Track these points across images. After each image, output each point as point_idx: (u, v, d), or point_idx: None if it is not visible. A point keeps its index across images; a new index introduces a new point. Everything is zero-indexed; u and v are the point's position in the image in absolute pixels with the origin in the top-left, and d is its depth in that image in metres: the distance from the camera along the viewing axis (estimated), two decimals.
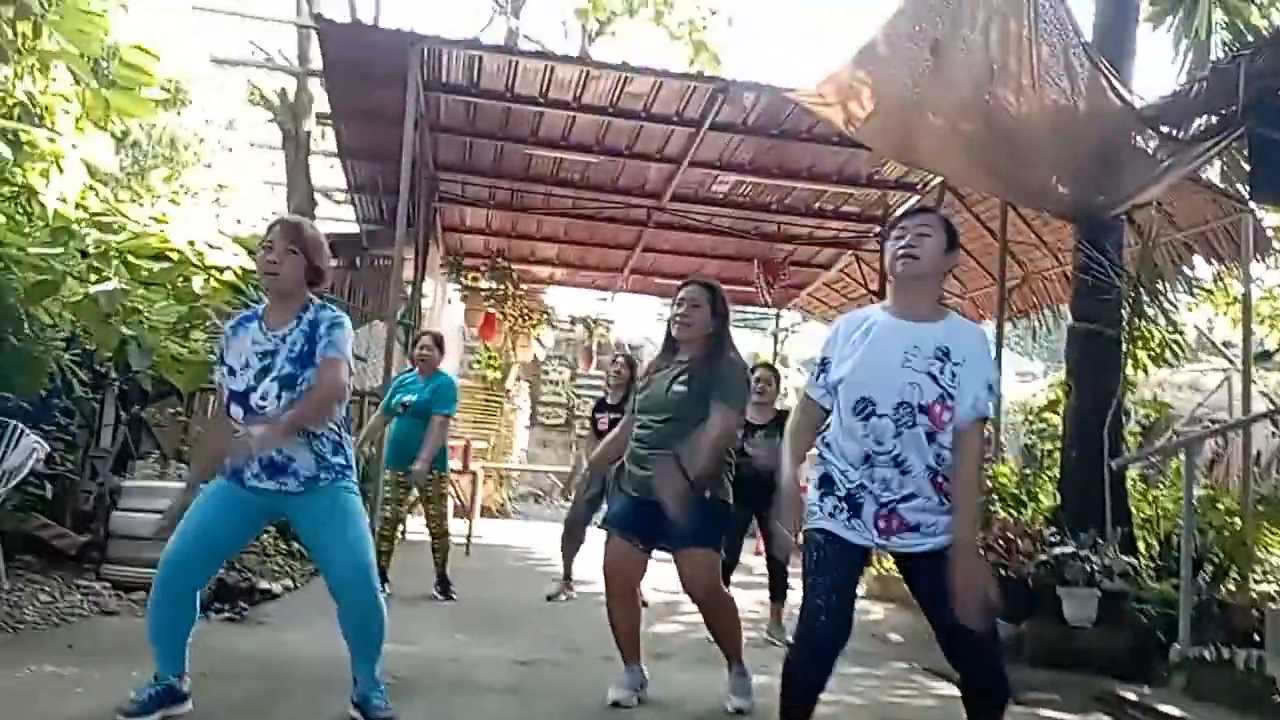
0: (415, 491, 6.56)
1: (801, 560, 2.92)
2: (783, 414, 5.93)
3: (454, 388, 6.55)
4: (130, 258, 5.54)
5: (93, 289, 5.17)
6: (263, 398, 3.20)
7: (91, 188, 6.16)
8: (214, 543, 3.30)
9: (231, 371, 3.27)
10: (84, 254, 5.57)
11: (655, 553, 3.96)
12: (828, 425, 2.97)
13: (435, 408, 6.26)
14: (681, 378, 3.87)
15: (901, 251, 2.92)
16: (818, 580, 2.85)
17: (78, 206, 5.84)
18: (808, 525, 2.92)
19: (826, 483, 2.92)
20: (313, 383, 3.23)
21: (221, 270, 5.80)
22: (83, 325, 5.57)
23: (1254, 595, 6.36)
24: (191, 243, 5.72)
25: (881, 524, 2.82)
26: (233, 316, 3.54)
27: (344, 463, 3.35)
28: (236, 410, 3.23)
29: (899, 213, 3.26)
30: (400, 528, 6.66)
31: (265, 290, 3.36)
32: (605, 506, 6.60)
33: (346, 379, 3.30)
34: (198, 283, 5.56)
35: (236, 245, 5.98)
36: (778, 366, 8.29)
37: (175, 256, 5.68)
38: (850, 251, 12.73)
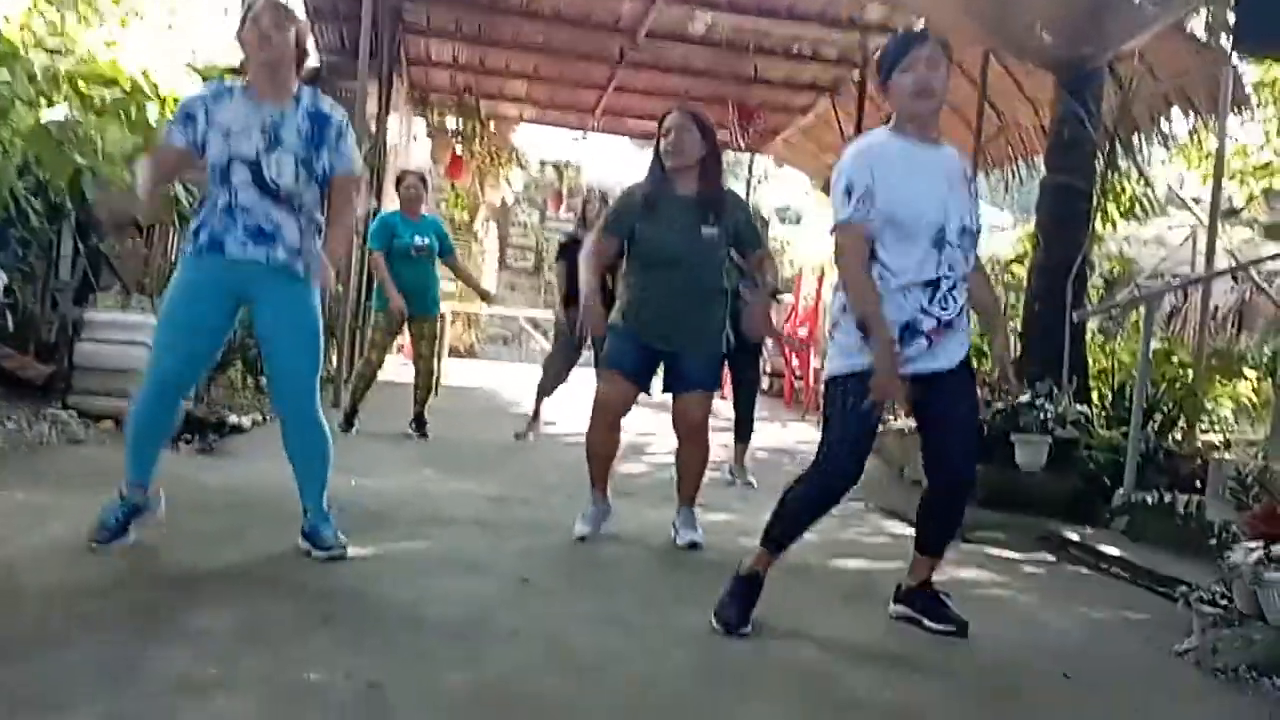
0: (398, 335, 6.60)
1: (830, 398, 2.95)
2: None
3: (445, 226, 6.71)
4: (81, 84, 5.32)
5: (43, 116, 4.98)
6: (278, 171, 3.14)
7: (35, 8, 5.85)
8: (202, 342, 3.27)
9: (228, 133, 3.13)
10: (31, 78, 5.33)
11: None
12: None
13: (448, 248, 6.49)
14: (708, 218, 3.80)
15: (918, 88, 2.89)
16: (850, 426, 2.89)
17: (22, 29, 5.56)
18: (848, 368, 2.88)
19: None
20: (324, 169, 3.22)
21: (177, 100, 5.59)
22: (35, 154, 5.38)
23: (1199, 445, 6.60)
24: (145, 71, 5.48)
25: (934, 338, 2.90)
26: (203, 87, 3.38)
27: (318, 252, 3.29)
28: (242, 173, 3.13)
29: (891, 40, 3.20)
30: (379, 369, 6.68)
31: (256, 66, 3.19)
32: (594, 347, 6.69)
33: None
34: (152, 111, 5.36)
35: (193, 74, 5.75)
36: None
37: (128, 85, 5.45)
38: (827, 94, 12.48)
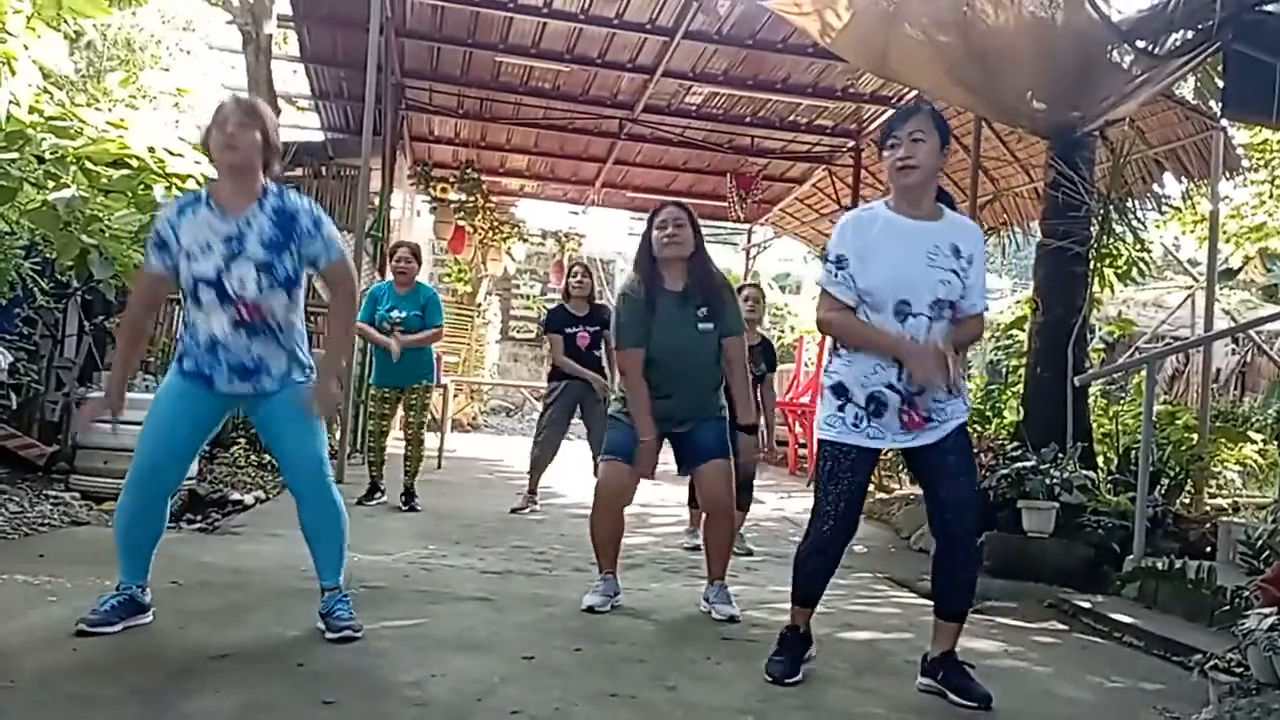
0: (399, 404, 6.59)
1: (816, 465, 3.16)
2: (765, 340, 5.94)
3: (439, 298, 6.67)
4: (88, 164, 5.39)
5: (50, 196, 5.04)
6: (240, 284, 3.10)
7: (46, 90, 5.96)
8: (184, 446, 3.27)
9: (189, 255, 3.12)
10: (40, 159, 5.41)
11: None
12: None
13: (431, 319, 6.42)
14: (701, 312, 3.90)
15: (900, 164, 3.02)
16: (829, 489, 3.09)
17: (32, 110, 5.65)
18: (825, 437, 3.10)
19: (841, 392, 3.06)
20: (287, 271, 3.16)
21: (184, 179, 5.66)
22: (42, 233, 5.44)
23: (1207, 509, 6.55)
24: (151, 149, 5.56)
25: (904, 419, 3.01)
26: (171, 203, 3.38)
27: (309, 360, 3.33)
28: (208, 294, 3.11)
29: (888, 114, 3.34)
30: (386, 439, 6.68)
31: (221, 169, 3.20)
32: (588, 431, 6.70)
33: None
34: (159, 191, 5.42)
35: (198, 152, 5.83)
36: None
37: (135, 163, 5.53)
38: (824, 166, 12.65)
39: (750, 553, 5.60)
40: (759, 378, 5.69)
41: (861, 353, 3.04)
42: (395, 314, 6.30)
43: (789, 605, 3.28)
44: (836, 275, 3.05)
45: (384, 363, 6.37)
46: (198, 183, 5.65)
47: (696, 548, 5.64)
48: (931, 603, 3.28)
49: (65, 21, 6.60)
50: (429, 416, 6.84)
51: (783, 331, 17.38)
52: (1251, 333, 10.71)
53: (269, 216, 3.18)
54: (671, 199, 4.17)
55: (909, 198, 3.07)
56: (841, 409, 3.05)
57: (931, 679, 3.15)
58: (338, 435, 7.72)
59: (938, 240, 3.02)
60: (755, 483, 6.05)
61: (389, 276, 6.79)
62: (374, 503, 6.42)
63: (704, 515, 4.19)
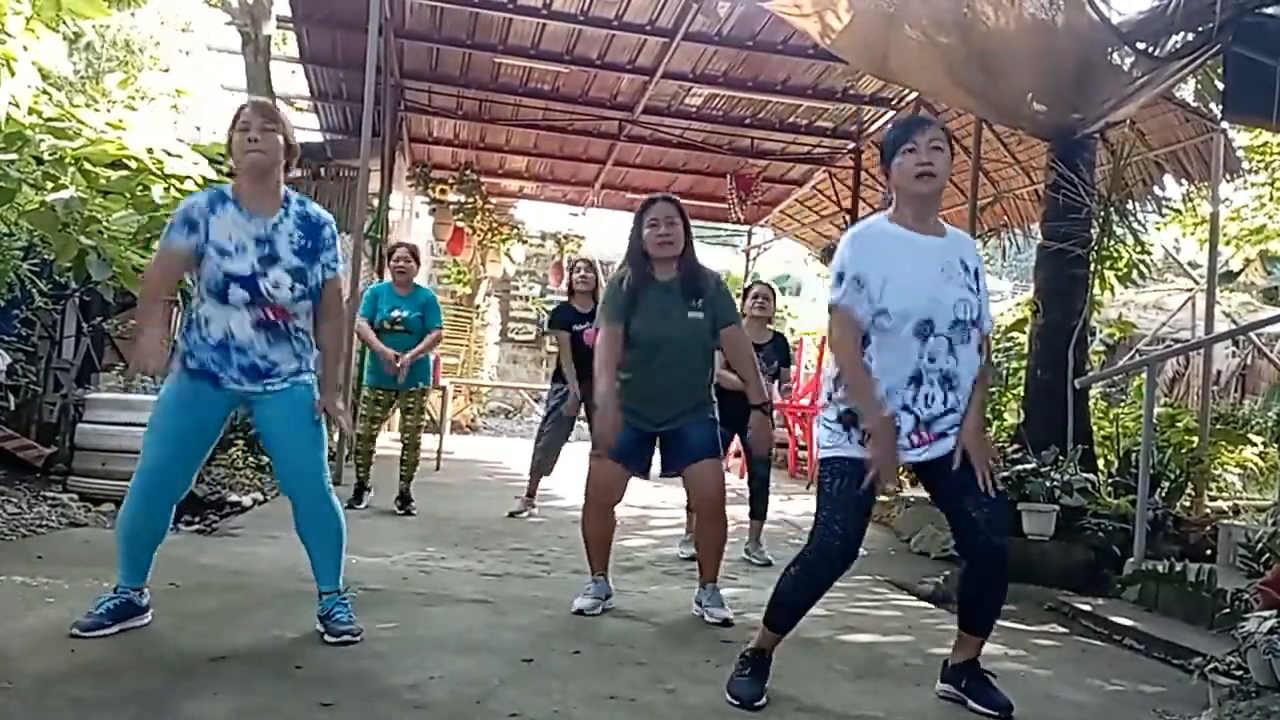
0: (393, 407, 6.56)
1: (820, 483, 2.96)
2: (778, 335, 5.93)
3: (438, 301, 6.64)
4: (87, 165, 5.38)
5: (49, 197, 5.03)
6: (275, 286, 3.14)
7: (45, 91, 5.95)
8: (192, 452, 3.26)
9: (222, 251, 3.13)
10: (39, 161, 5.40)
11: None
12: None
13: (431, 321, 6.39)
14: (694, 303, 3.87)
15: (921, 169, 2.89)
16: (835, 509, 2.90)
17: (30, 111, 5.65)
18: (831, 454, 2.93)
19: (850, 417, 2.90)
20: (316, 280, 3.24)
21: (182, 179, 5.65)
22: (40, 235, 5.43)
23: (1207, 511, 6.54)
24: (150, 150, 5.55)
25: (916, 439, 2.89)
26: (200, 195, 3.36)
27: (313, 364, 3.33)
28: (239, 294, 3.12)
29: (896, 121, 3.28)
30: (375, 442, 6.65)
31: (245, 171, 3.21)
32: (587, 421, 6.64)
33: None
34: (157, 191, 5.41)
35: (196, 153, 5.82)
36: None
37: (134, 164, 5.52)
38: (824, 168, 12.65)
39: (769, 563, 5.50)
40: (774, 375, 5.68)
41: (886, 377, 2.87)
42: (397, 314, 6.28)
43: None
44: (849, 292, 2.87)
45: (379, 364, 6.33)
46: (196, 184, 5.65)
47: (691, 558, 5.63)
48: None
49: (64, 22, 6.60)
50: (426, 419, 6.80)
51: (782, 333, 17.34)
52: (1252, 335, 10.71)
53: (296, 223, 3.23)
54: (661, 193, 4.11)
55: (919, 208, 2.95)
56: (848, 428, 2.90)
57: (953, 686, 3.09)
58: (336, 436, 7.71)
59: (948, 257, 2.93)
60: None
61: (388, 277, 6.77)
62: (363, 505, 6.34)
63: (695, 516, 4.15)
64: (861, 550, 3.05)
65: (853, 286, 2.87)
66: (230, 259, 3.13)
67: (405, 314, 6.29)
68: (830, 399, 2.97)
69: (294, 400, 3.26)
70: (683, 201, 4.08)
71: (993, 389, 8.63)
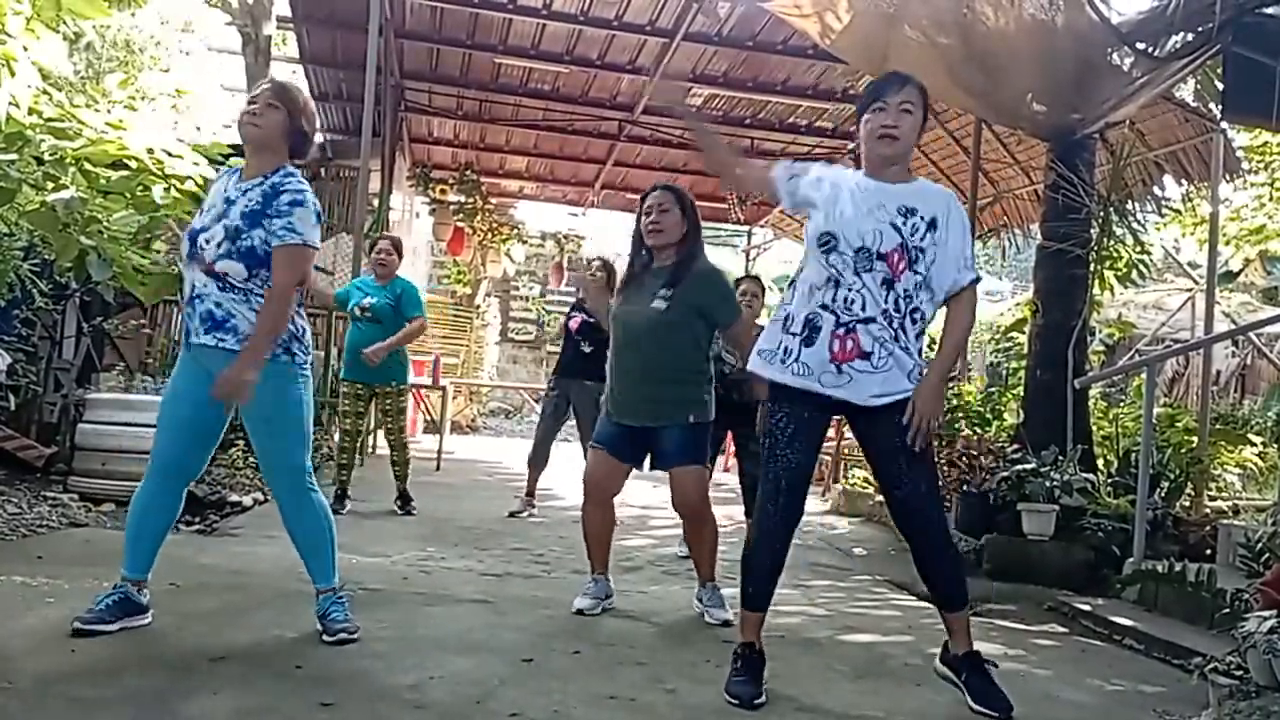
0: (374, 401, 6.45)
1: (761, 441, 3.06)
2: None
3: (418, 291, 6.42)
4: (87, 165, 5.38)
5: (49, 197, 5.03)
6: (206, 240, 3.15)
7: (45, 91, 5.95)
8: (196, 421, 3.25)
9: (201, 211, 3.28)
10: (39, 161, 5.41)
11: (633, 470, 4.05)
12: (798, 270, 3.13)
13: (407, 311, 6.17)
14: (662, 293, 3.80)
15: (883, 131, 2.96)
16: (770, 467, 3.00)
17: (31, 112, 5.65)
18: (753, 369, 3.08)
19: (787, 321, 3.02)
20: (254, 244, 3.13)
21: (183, 180, 5.65)
22: (40, 235, 5.44)
23: (1207, 511, 6.55)
24: (150, 150, 5.55)
25: (836, 346, 2.91)
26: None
27: (294, 333, 3.24)
28: (186, 245, 3.22)
29: (871, 81, 3.32)
30: (360, 440, 6.59)
31: (242, 141, 3.27)
32: (576, 422, 6.64)
33: (304, 265, 3.20)
34: (158, 192, 5.41)
35: (197, 153, 5.82)
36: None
37: (134, 164, 5.52)
38: None
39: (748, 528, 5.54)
40: None
41: (798, 285, 3.04)
42: (367, 301, 6.10)
43: (779, 607, 3.18)
44: (799, 175, 3.10)
45: (353, 356, 6.18)
46: (197, 184, 5.65)
47: (688, 556, 5.63)
48: (932, 606, 3.26)
49: (64, 23, 6.60)
50: (407, 420, 6.67)
51: None
52: (1251, 335, 10.71)
53: (264, 190, 3.19)
54: (663, 183, 4.09)
55: (880, 164, 3.02)
56: (784, 332, 3.00)
57: (953, 671, 3.07)
58: (335, 437, 7.70)
59: (886, 198, 2.96)
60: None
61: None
62: (345, 511, 6.09)
63: (680, 518, 4.13)
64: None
65: (802, 172, 3.09)
66: (200, 217, 3.25)
67: (374, 301, 6.09)
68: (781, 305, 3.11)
69: (274, 386, 3.17)
70: (675, 185, 4.06)
71: (993, 389, 8.63)
